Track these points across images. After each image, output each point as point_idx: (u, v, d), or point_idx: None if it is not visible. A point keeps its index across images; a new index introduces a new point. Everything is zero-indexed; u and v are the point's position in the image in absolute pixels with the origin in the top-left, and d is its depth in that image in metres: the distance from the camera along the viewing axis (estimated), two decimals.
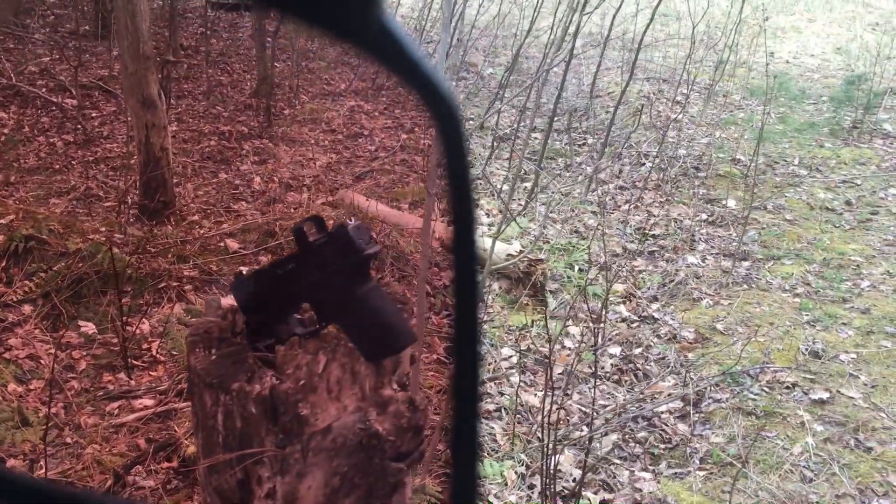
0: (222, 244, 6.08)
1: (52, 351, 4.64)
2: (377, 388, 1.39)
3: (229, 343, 1.54)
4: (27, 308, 4.80)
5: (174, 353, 4.86)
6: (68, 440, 4.01)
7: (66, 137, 9.57)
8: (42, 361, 4.54)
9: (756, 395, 5.14)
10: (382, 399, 1.34)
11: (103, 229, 5.56)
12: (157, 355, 4.85)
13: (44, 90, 10.90)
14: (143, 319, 4.97)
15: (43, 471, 3.26)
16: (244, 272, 1.44)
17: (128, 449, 4.04)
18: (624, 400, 5.16)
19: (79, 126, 9.82)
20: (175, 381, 4.56)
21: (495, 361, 5.43)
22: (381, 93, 11.93)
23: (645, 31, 8.61)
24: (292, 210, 7.39)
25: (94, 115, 10.47)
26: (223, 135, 9.83)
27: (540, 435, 3.87)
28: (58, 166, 8.54)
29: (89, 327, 4.87)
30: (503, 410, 4.99)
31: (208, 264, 5.67)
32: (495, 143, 9.86)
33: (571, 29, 8.26)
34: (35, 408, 4.20)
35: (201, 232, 6.27)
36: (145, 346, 4.89)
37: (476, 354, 0.51)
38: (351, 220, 1.42)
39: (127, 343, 4.67)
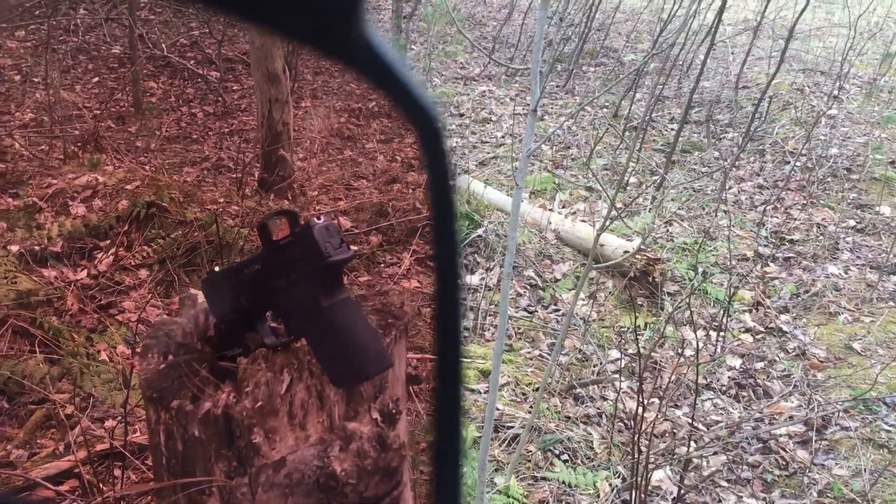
0: (335, 221, 6.09)
1: (162, 316, 4.78)
2: (349, 417, 1.22)
3: (188, 350, 1.42)
4: (143, 273, 4.96)
5: None
6: None
7: (206, 108, 9.95)
8: (151, 325, 4.67)
9: (891, 426, 4.62)
10: (347, 433, 1.17)
11: (221, 200, 5.68)
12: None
13: (192, 62, 11.37)
14: None
15: (124, 436, 3.32)
16: (216, 269, 1.30)
17: None
18: (739, 417, 4.77)
19: (219, 98, 10.19)
20: None
21: (601, 363, 5.16)
22: (515, 79, 11.71)
23: (798, 18, 7.93)
24: (410, 190, 7.33)
25: (234, 88, 10.84)
26: (353, 112, 9.93)
27: (638, 446, 3.60)
28: (195, 136, 8.88)
29: (199, 296, 4.99)
30: (603, 416, 4.73)
31: None
32: (627, 132, 9.44)
33: (710, 15, 7.73)
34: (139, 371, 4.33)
35: (317, 208, 6.31)
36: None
37: (458, 353, 0.51)
38: (319, 219, 1.25)
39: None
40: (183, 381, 1.29)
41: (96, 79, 10.48)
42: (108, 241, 5.04)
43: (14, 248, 4.67)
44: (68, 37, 11.25)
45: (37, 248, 4.76)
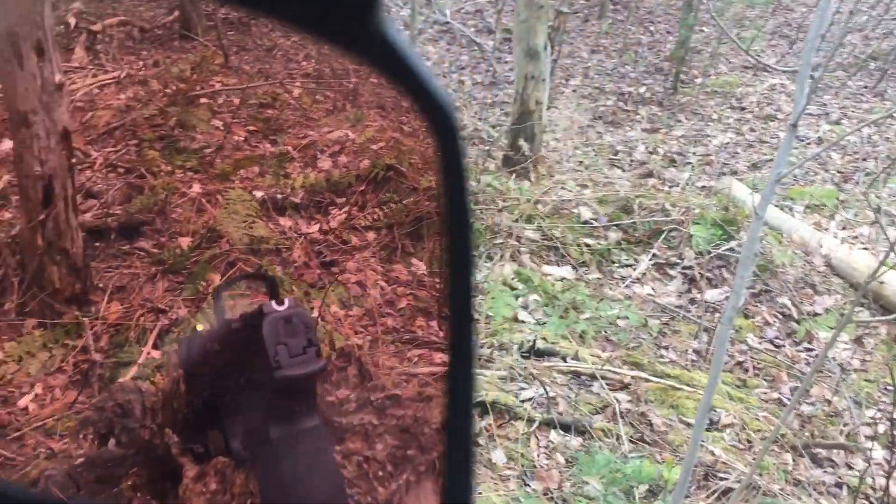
0: (576, 210, 5.72)
1: (380, 282, 4.76)
2: None
3: (133, 438, 1.13)
4: (371, 235, 4.96)
5: (490, 313, 4.68)
6: None
7: (476, 77, 9.94)
8: (368, 291, 4.66)
9: None
10: None
11: None
12: (474, 312, 4.71)
13: (472, 30, 11.42)
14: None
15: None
16: (199, 328, 0.99)
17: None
18: None
19: (490, 68, 10.14)
20: (478, 344, 4.38)
21: (853, 423, 4.35)
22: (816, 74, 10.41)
23: None
24: (666, 188, 6.74)
25: (508, 59, 10.70)
26: (622, 95, 9.38)
27: None
28: (458, 103, 8.89)
29: (419, 267, 4.90)
30: (843, 488, 3.98)
31: (553, 230, 5.37)
32: None
33: None
34: (346, 335, 4.33)
35: (559, 194, 5.98)
36: None
37: (471, 355, 0.51)
38: (283, 304, 0.91)
39: (444, 292, 4.59)
40: (99, 488, 1.03)
41: None
42: (343, 199, 5.10)
43: (259, 194, 4.86)
44: None
45: (279, 196, 4.93)
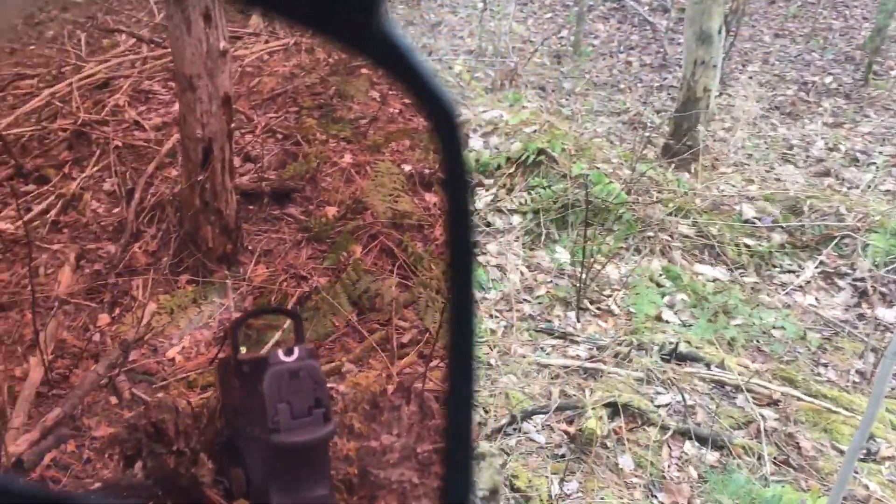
0: (738, 207, 5.35)
1: (521, 267, 4.66)
2: None
3: (159, 464, 1.04)
4: (515, 219, 4.86)
5: (632, 310, 4.47)
6: (491, 360, 3.98)
7: (644, 58, 9.53)
8: (507, 274, 4.58)
9: None
10: None
11: (615, 160, 5.32)
12: (614, 306, 4.52)
13: (646, 8, 10.97)
14: (613, 264, 4.66)
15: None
16: (242, 350, 0.87)
17: (540, 392, 3.86)
18: None
19: (661, 49, 9.69)
20: (617, 342, 4.20)
21: None
22: None
23: None
24: (844, 189, 6.18)
25: (681, 40, 10.19)
26: (804, 85, 8.70)
27: None
28: (623, 85, 8.56)
29: (563, 255, 4.76)
30: None
31: (710, 226, 5.05)
32: None
33: None
34: (482, 318, 4.27)
35: (721, 189, 5.61)
36: (607, 292, 4.60)
37: (471, 354, 0.50)
38: (291, 354, 0.79)
39: (586, 284, 4.43)
40: None
41: (549, 14, 10.66)
42: (491, 181, 5.02)
43: (407, 168, 4.86)
44: None
45: (426, 171, 4.91)
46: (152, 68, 5.75)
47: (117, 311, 3.97)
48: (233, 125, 4.08)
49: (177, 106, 4.03)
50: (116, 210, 4.52)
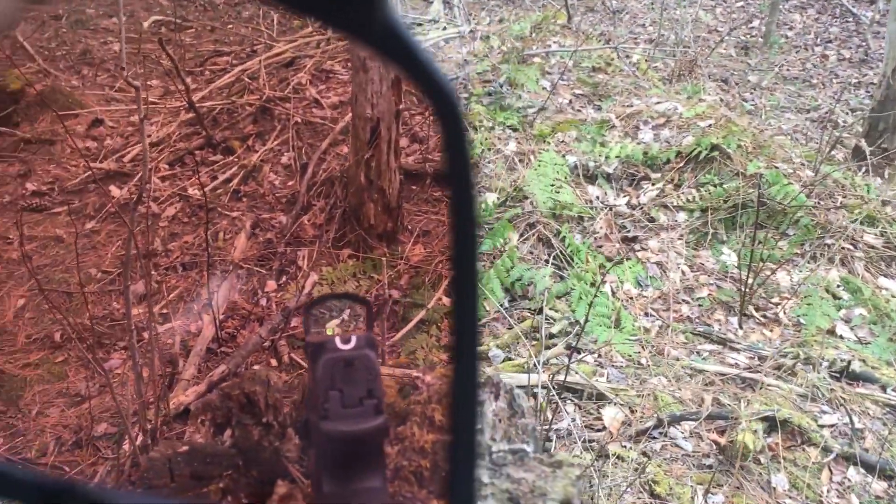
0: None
1: (682, 267, 4.48)
2: None
3: (244, 435, 1.01)
4: (681, 216, 4.67)
5: (802, 321, 4.18)
6: (642, 360, 3.86)
7: (843, 53, 8.85)
8: (667, 273, 4.41)
9: None
10: None
11: (797, 160, 4.97)
12: (782, 315, 4.24)
13: None
14: (785, 270, 4.38)
15: (562, 375, 3.19)
16: (329, 332, 0.85)
17: (691, 399, 3.70)
18: None
19: (863, 44, 8.94)
20: (781, 353, 3.94)
21: None
22: None
23: None
24: None
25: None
26: None
27: None
28: (816, 80, 7.99)
29: (730, 257, 4.52)
30: None
31: None
32: None
33: None
34: (636, 315, 4.15)
35: None
36: (775, 300, 4.33)
37: (475, 351, 0.50)
38: (351, 340, 0.73)
39: (753, 289, 4.19)
40: (196, 480, 0.96)
41: (741, 3, 10.12)
42: (658, 175, 4.85)
43: (571, 159, 4.80)
44: None
45: (592, 163, 4.82)
46: (335, 49, 6.01)
47: (283, 278, 4.21)
48: (401, 107, 4.18)
49: (352, 86, 4.18)
50: (291, 183, 4.78)
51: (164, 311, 3.98)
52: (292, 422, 1.01)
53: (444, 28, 6.75)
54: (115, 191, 4.78)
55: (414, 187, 4.59)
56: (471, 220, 0.47)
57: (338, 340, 0.77)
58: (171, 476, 0.94)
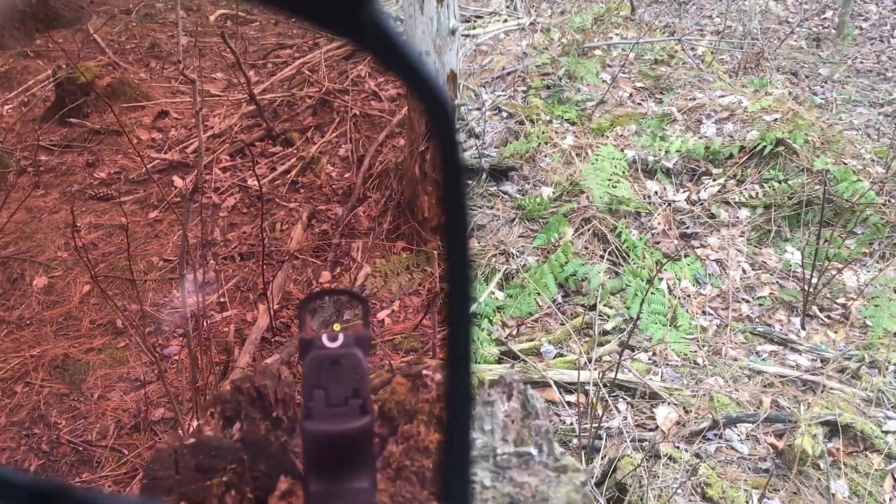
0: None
1: (743, 264, 4.36)
2: None
3: (251, 429, 0.98)
4: (743, 213, 4.55)
5: (868, 323, 4.03)
6: (698, 359, 3.78)
7: None
8: (727, 271, 4.30)
9: None
10: None
11: (867, 157, 4.79)
12: (850, 315, 4.10)
13: None
14: (851, 270, 4.22)
15: (601, 373, 3.12)
16: (336, 328, 0.81)
17: (748, 400, 3.61)
18: None
19: None
20: (845, 355, 3.81)
21: None
22: None
23: None
24: None
25: None
26: None
27: None
28: (890, 74, 7.67)
29: (793, 256, 4.38)
30: None
31: None
32: None
33: None
34: (693, 313, 4.05)
35: None
36: (840, 300, 4.18)
37: (468, 347, 0.50)
38: (339, 338, 0.70)
39: (817, 289, 4.05)
40: (200, 473, 0.94)
41: None
42: (720, 170, 4.73)
43: (630, 154, 4.72)
44: None
45: (651, 158, 4.73)
46: None
47: (338, 270, 4.25)
48: (457, 101, 4.17)
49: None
50: (347, 175, 4.82)
51: (222, 299, 4.06)
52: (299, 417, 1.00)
53: (505, 20, 6.70)
54: (177, 181, 4.89)
55: (468, 182, 4.57)
56: (461, 218, 0.47)
57: (325, 338, 0.76)
58: (175, 468, 0.95)
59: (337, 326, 0.77)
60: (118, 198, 4.85)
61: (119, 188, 4.92)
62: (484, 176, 4.57)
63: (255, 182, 4.75)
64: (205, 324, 3.70)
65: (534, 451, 0.91)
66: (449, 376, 0.49)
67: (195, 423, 3.04)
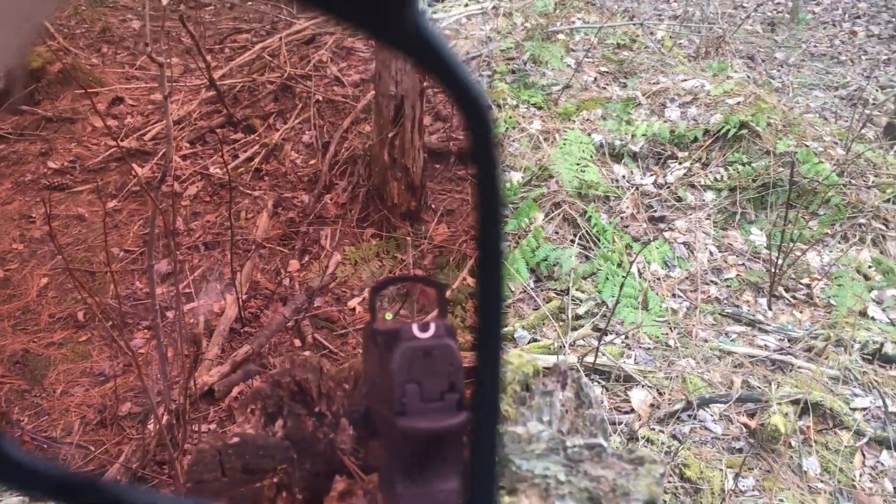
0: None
1: (710, 247, 4.40)
2: None
3: (297, 425, 0.95)
4: (709, 195, 4.59)
5: (833, 302, 4.10)
6: (670, 341, 3.80)
7: (872, 29, 8.66)
8: (695, 253, 4.34)
9: None
10: None
11: (827, 139, 4.87)
12: (814, 296, 4.17)
13: None
14: (815, 251, 4.29)
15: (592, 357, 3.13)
16: (388, 317, 0.77)
17: (720, 381, 3.64)
18: None
19: (893, 19, 8.75)
20: (812, 335, 3.87)
21: None
22: None
23: None
24: None
25: None
26: None
27: None
28: (844, 58, 7.83)
29: (759, 237, 4.44)
30: None
31: None
32: None
33: None
34: (663, 296, 4.08)
35: None
36: (805, 281, 4.25)
37: (498, 348, 0.49)
38: (430, 328, 0.67)
39: (783, 270, 4.11)
40: (248, 475, 0.90)
41: None
42: (685, 154, 4.76)
43: (597, 138, 4.72)
44: None
45: (618, 142, 4.74)
46: None
47: (306, 258, 4.18)
48: (425, 84, 4.12)
49: (374, 63, 4.12)
50: (312, 162, 4.73)
51: (187, 290, 3.96)
52: (346, 412, 0.95)
53: (467, 4, 6.65)
54: (137, 169, 4.76)
55: (437, 166, 4.53)
56: (497, 227, 0.47)
57: (415, 328, 0.71)
58: (221, 470, 0.89)
59: (389, 315, 0.73)
60: (74, 187, 4.69)
61: (75, 177, 4.76)
62: (452, 160, 4.53)
63: (218, 170, 4.64)
64: (171, 315, 3.61)
65: (604, 443, 0.88)
66: (479, 359, 0.48)
67: (165, 418, 2.95)
